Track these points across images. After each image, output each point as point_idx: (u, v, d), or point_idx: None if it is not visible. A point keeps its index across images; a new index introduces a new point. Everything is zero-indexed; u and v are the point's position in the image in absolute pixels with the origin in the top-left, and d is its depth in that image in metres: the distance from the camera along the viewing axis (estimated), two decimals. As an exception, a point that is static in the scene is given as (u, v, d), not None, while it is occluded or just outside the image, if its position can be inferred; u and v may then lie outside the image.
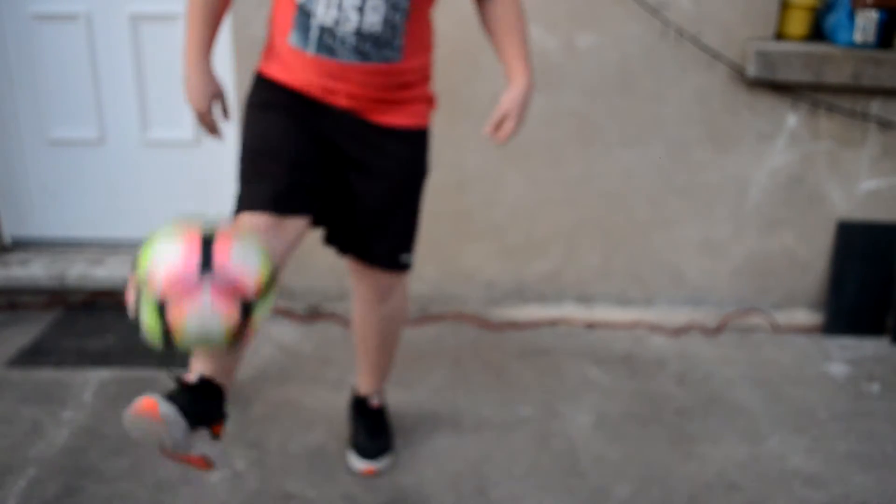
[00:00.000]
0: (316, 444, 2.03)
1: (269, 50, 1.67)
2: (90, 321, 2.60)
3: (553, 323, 2.67)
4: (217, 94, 1.74)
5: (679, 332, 2.65)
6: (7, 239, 2.83)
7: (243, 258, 1.29)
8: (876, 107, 2.48)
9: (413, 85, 1.66)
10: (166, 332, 1.29)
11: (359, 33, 1.53)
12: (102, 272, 2.68)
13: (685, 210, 2.61)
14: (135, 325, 1.36)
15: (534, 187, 2.59)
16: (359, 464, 1.93)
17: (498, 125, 1.67)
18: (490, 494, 1.87)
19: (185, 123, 2.72)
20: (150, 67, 2.68)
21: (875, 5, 2.38)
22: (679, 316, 2.68)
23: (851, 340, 2.63)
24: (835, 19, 2.45)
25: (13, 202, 2.82)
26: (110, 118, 2.73)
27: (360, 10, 1.52)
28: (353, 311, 1.91)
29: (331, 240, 1.80)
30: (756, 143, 2.54)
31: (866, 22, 2.40)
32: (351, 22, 1.52)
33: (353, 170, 1.67)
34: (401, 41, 1.57)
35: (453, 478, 1.92)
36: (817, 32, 2.53)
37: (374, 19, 1.53)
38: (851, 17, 2.41)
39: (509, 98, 1.66)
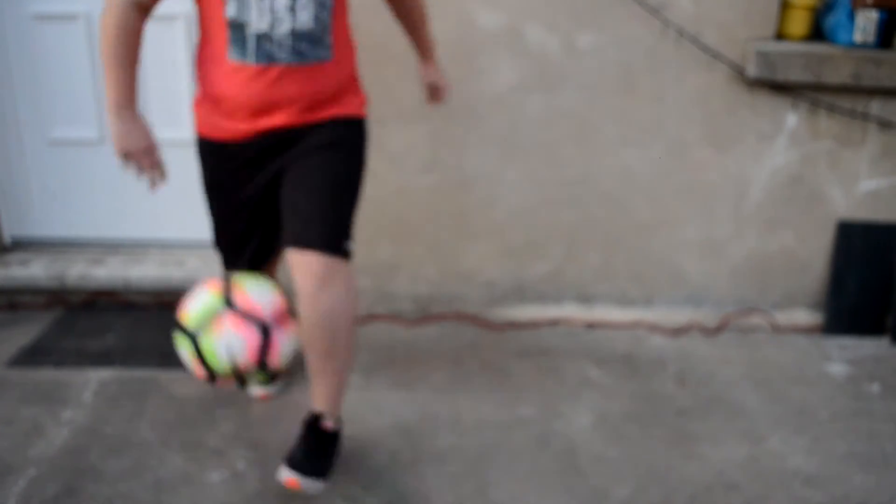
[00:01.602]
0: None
1: (201, 96, 1.84)
2: (90, 321, 2.61)
3: (553, 323, 2.67)
4: (148, 148, 1.82)
5: (679, 332, 2.65)
6: (7, 239, 2.83)
7: (258, 293, 1.64)
8: (876, 107, 2.48)
9: (344, 90, 1.79)
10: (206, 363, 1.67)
11: (293, 33, 1.66)
12: (102, 272, 2.68)
13: (685, 210, 2.61)
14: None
15: (534, 187, 2.59)
16: (283, 471, 1.78)
17: (435, 93, 2.14)
18: (490, 494, 1.87)
19: (185, 123, 2.72)
20: (149, 67, 2.67)
21: (875, 5, 2.38)
22: (679, 316, 2.68)
23: (851, 340, 2.63)
24: (835, 19, 2.45)
25: (13, 202, 2.82)
26: (110, 118, 2.73)
27: (292, 9, 1.64)
28: (300, 312, 1.72)
29: (284, 241, 1.78)
30: (756, 143, 2.54)
31: (866, 22, 2.40)
32: (285, 23, 1.64)
33: (289, 168, 1.77)
34: (330, 39, 1.70)
35: (453, 478, 1.92)
36: (817, 32, 2.53)
37: (305, 17, 1.65)
38: (851, 17, 2.41)
39: (436, 70, 2.11)
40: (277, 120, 1.73)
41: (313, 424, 1.83)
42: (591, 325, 2.67)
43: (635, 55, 2.46)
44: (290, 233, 1.72)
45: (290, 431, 2.06)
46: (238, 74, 1.68)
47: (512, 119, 2.52)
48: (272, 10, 1.64)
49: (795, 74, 2.40)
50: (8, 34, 2.64)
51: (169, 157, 2.76)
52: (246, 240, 1.94)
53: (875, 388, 2.36)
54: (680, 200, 2.61)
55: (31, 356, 2.39)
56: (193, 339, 1.65)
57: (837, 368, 2.47)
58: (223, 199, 1.91)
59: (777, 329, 2.67)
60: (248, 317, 1.64)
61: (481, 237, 2.64)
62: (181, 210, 2.81)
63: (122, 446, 1.99)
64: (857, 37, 2.41)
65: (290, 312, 1.72)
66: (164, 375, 2.30)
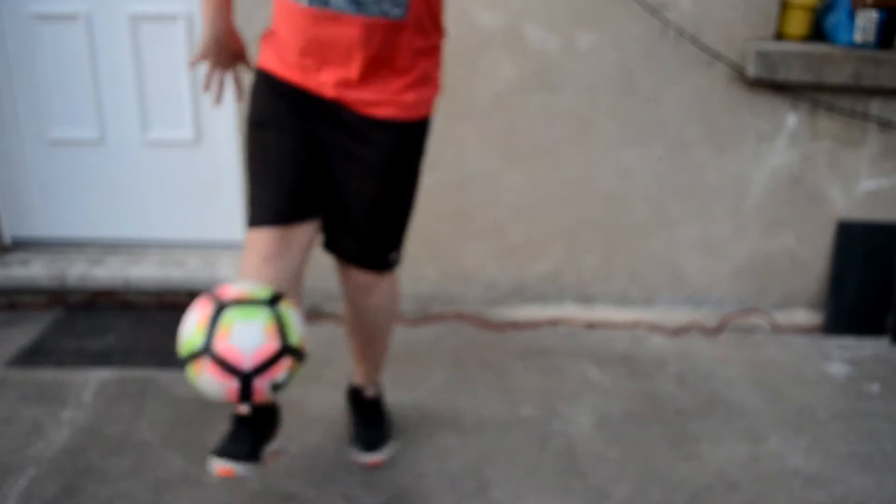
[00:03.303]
0: (316, 444, 2.03)
1: (270, 28, 1.64)
2: (90, 321, 2.61)
3: (553, 323, 2.67)
4: (237, 54, 1.71)
5: (679, 332, 2.65)
6: (7, 239, 2.83)
7: (243, 337, 1.42)
8: (876, 107, 2.48)
9: (411, 66, 1.53)
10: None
11: None
12: (102, 272, 2.68)
13: (685, 210, 2.61)
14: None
15: (534, 187, 2.59)
16: (362, 457, 1.93)
17: None
18: (490, 494, 1.87)
19: (185, 123, 2.72)
20: (150, 67, 2.68)
21: (875, 5, 2.38)
22: (679, 316, 2.68)
23: (851, 340, 2.63)
24: (835, 19, 2.45)
25: (13, 202, 2.82)
26: (110, 118, 2.73)
27: None
28: (344, 305, 1.89)
29: (328, 243, 1.78)
30: (756, 143, 2.54)
31: (866, 22, 2.40)
32: None
33: (342, 164, 1.62)
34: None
35: (453, 478, 1.92)
36: (817, 32, 2.53)
37: None
38: (851, 17, 2.41)
39: None
40: (324, 85, 1.53)
41: (357, 397, 2.00)
42: (591, 325, 2.67)
43: (635, 55, 2.46)
44: (342, 248, 1.74)
45: (289, 431, 2.06)
46: (291, 12, 1.50)
47: (512, 119, 2.52)
48: None
49: (795, 74, 2.40)
50: (7, 34, 2.64)
51: (169, 157, 2.78)
52: (284, 189, 1.62)
53: (875, 388, 2.36)
54: (680, 200, 2.61)
55: (31, 356, 2.39)
56: (183, 365, 1.50)
57: (837, 368, 2.47)
58: (267, 138, 1.62)
59: (777, 329, 2.67)
60: (225, 366, 1.43)
61: (481, 237, 2.64)
62: (181, 210, 2.81)
63: (122, 446, 1.99)
64: (857, 37, 2.41)
65: (281, 351, 1.49)
66: (164, 375, 2.30)
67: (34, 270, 2.69)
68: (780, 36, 2.48)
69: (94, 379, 2.28)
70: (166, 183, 2.78)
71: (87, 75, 2.68)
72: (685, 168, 2.57)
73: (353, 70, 1.51)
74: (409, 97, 1.56)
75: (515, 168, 2.58)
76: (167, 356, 2.40)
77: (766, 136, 2.53)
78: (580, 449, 2.04)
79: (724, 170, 2.57)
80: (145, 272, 2.68)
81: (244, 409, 1.73)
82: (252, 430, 1.73)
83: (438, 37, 1.59)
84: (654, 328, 2.66)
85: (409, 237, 1.81)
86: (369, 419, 1.99)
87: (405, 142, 1.63)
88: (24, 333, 2.52)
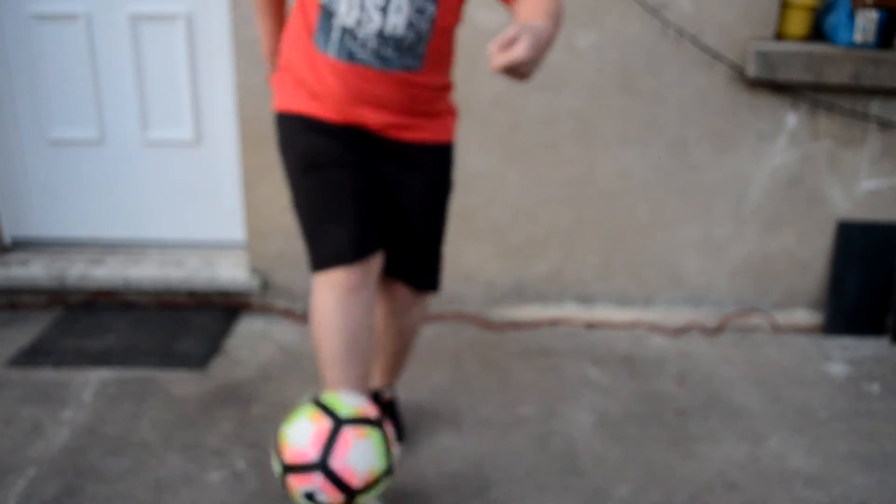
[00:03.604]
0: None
1: (288, 73, 1.65)
2: (90, 321, 2.61)
3: (553, 323, 2.67)
4: None
5: (679, 332, 2.65)
6: (7, 239, 2.83)
7: (359, 457, 1.47)
8: (876, 107, 2.48)
9: (433, 102, 1.67)
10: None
11: (381, 35, 1.52)
12: (102, 272, 2.68)
13: (685, 210, 2.61)
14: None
15: (534, 187, 2.59)
16: None
17: (507, 45, 1.26)
18: (490, 494, 1.87)
19: (185, 123, 2.72)
20: (150, 67, 2.68)
21: (875, 5, 2.38)
22: (679, 316, 2.68)
23: (851, 340, 2.63)
24: (835, 19, 2.45)
25: (13, 202, 2.82)
26: (110, 118, 2.73)
27: (384, 10, 1.50)
28: (377, 315, 1.87)
29: (388, 269, 1.80)
30: (756, 143, 2.54)
31: (866, 22, 2.40)
32: (373, 23, 1.51)
33: (392, 188, 1.68)
34: (423, 50, 1.56)
35: (453, 478, 1.92)
36: (817, 32, 2.53)
37: (397, 21, 1.51)
38: (851, 17, 2.41)
39: (527, 24, 1.30)
40: (365, 117, 1.61)
41: (375, 400, 2.01)
42: (591, 325, 2.67)
43: (635, 55, 2.46)
44: (405, 267, 1.79)
45: (290, 431, 2.07)
46: (319, 61, 1.57)
47: (512, 119, 2.52)
48: (361, 6, 1.50)
49: (795, 74, 2.40)
50: (7, 34, 2.64)
51: (169, 157, 2.78)
52: (359, 223, 1.62)
53: (875, 388, 2.36)
54: (680, 200, 2.61)
55: (31, 356, 2.39)
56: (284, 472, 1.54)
57: (837, 368, 2.47)
58: (328, 177, 1.61)
59: (777, 329, 2.67)
60: (339, 483, 1.48)
61: (481, 237, 2.64)
62: (181, 210, 2.81)
63: (122, 446, 1.99)
64: (857, 37, 2.41)
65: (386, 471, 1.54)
66: (164, 375, 2.30)
67: (34, 270, 2.69)
68: (780, 36, 2.48)
69: (94, 379, 2.28)
70: (166, 183, 2.78)
71: (87, 75, 2.68)
72: (685, 168, 2.57)
73: (386, 112, 1.62)
74: (437, 124, 1.70)
75: (515, 168, 2.58)
76: (167, 356, 2.41)
77: (766, 136, 2.53)
78: (580, 449, 2.04)
79: (724, 170, 2.57)
80: (145, 272, 2.68)
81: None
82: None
83: (449, 76, 1.70)
84: (654, 328, 2.66)
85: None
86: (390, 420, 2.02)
87: (441, 163, 1.74)
88: (24, 333, 2.52)
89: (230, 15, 2.43)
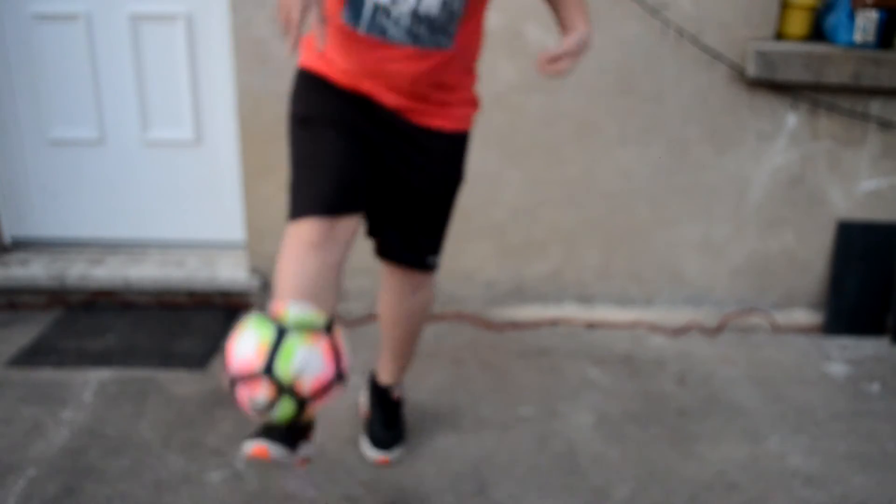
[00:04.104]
0: (316, 444, 2.02)
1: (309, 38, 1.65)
2: (90, 321, 2.61)
3: (553, 323, 2.67)
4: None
5: (679, 332, 2.65)
6: (7, 239, 2.83)
7: (304, 364, 1.40)
8: (876, 107, 2.48)
9: (458, 86, 1.66)
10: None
11: (415, 14, 1.52)
12: (102, 272, 2.68)
13: (685, 210, 2.61)
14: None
15: (534, 187, 2.59)
16: (372, 453, 1.96)
17: (554, 60, 1.55)
18: (490, 494, 1.87)
19: (185, 123, 2.72)
20: (150, 67, 2.68)
21: (875, 5, 2.38)
22: (679, 316, 2.68)
23: (851, 340, 2.63)
24: (835, 19, 2.45)
25: (13, 202, 2.82)
26: (110, 118, 2.73)
27: None
28: (381, 302, 1.93)
29: (372, 232, 1.82)
30: (756, 143, 2.54)
31: (866, 22, 2.40)
32: (408, 2, 1.51)
33: (393, 166, 1.68)
34: (455, 29, 1.56)
35: (453, 478, 1.92)
36: (817, 32, 2.53)
37: (432, 1, 1.51)
38: (851, 17, 2.41)
39: (572, 39, 1.56)
40: (382, 96, 1.61)
41: (384, 397, 2.03)
42: (591, 325, 2.67)
43: (635, 55, 2.46)
44: (390, 246, 1.80)
45: (290, 431, 2.06)
46: (344, 35, 1.56)
47: (512, 119, 2.52)
48: None
49: (795, 74, 2.40)
50: (8, 34, 2.65)
51: (169, 157, 2.78)
52: (334, 181, 1.61)
53: (875, 388, 2.36)
54: (680, 200, 2.61)
55: (31, 356, 2.39)
56: (281, 332, 1.43)
57: (837, 368, 2.47)
58: (318, 134, 1.63)
59: (777, 329, 2.67)
60: (336, 353, 1.45)
61: (481, 237, 2.64)
62: (181, 210, 2.81)
63: (122, 446, 1.99)
64: (857, 37, 2.41)
65: (336, 378, 1.48)
66: (164, 375, 2.30)
67: (34, 270, 2.69)
68: (780, 36, 2.48)
69: (94, 379, 2.28)
70: (166, 183, 2.78)
71: (87, 75, 2.68)
72: (685, 168, 2.57)
73: (405, 95, 1.61)
74: (458, 112, 1.70)
75: (515, 168, 2.57)
76: (167, 356, 2.41)
77: (766, 136, 2.53)
78: (580, 449, 2.04)
79: (724, 170, 2.57)
80: (145, 272, 2.68)
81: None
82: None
83: (476, 58, 1.70)
84: (654, 328, 2.66)
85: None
86: (390, 419, 2.02)
87: (453, 151, 1.74)
88: (24, 333, 2.52)
89: (230, 15, 2.43)
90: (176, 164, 2.77)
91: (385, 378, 2.03)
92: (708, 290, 2.70)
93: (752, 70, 2.40)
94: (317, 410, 1.48)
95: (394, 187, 1.71)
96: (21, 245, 2.85)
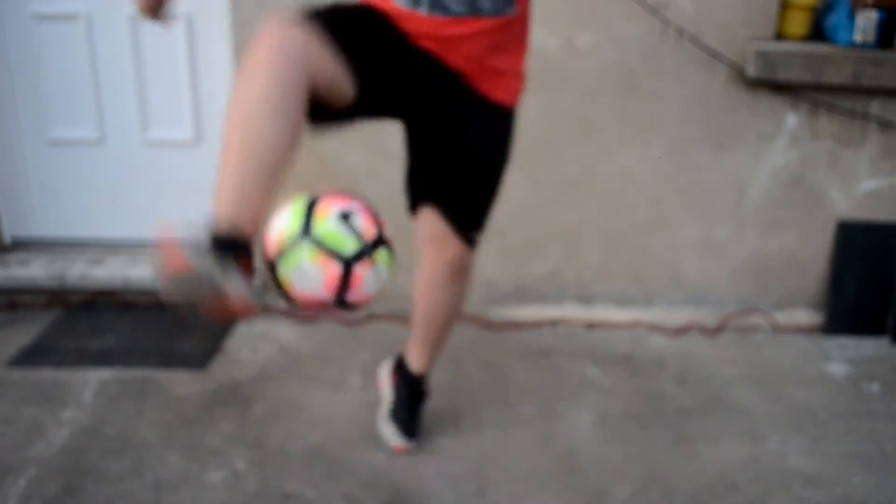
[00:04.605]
0: (316, 444, 2.03)
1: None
2: (90, 321, 2.61)
3: (553, 323, 2.67)
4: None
5: (679, 332, 2.65)
6: (7, 239, 2.83)
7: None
8: (876, 107, 2.48)
9: (513, 55, 1.64)
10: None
11: None
12: (102, 272, 2.68)
13: (685, 210, 2.61)
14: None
15: (534, 187, 2.59)
16: (394, 439, 1.99)
17: None
18: (490, 494, 1.87)
19: (185, 123, 2.72)
20: (150, 67, 2.68)
21: (875, 5, 2.38)
22: (679, 316, 2.68)
23: (851, 340, 2.63)
24: (835, 19, 2.45)
25: (13, 202, 2.82)
26: (110, 118, 2.73)
27: None
28: (418, 289, 1.91)
29: (412, 187, 1.79)
30: (756, 143, 2.54)
31: (866, 22, 2.40)
32: None
33: (443, 116, 1.65)
34: None
35: (453, 478, 1.92)
36: (817, 32, 2.53)
37: None
38: (851, 17, 2.41)
39: None
40: (454, 60, 1.58)
41: (415, 387, 2.03)
42: (591, 325, 2.67)
43: (635, 55, 2.46)
44: (438, 212, 1.75)
45: (289, 431, 2.06)
46: (407, 19, 1.54)
47: (512, 119, 2.51)
48: None
49: (795, 74, 2.40)
50: (8, 34, 2.65)
51: (169, 157, 2.78)
52: (377, 50, 1.51)
53: (875, 388, 2.36)
54: (680, 200, 2.61)
55: (31, 356, 2.39)
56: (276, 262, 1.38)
57: (837, 368, 2.47)
58: (387, 27, 1.55)
59: (777, 329, 2.67)
60: (328, 251, 1.34)
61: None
62: (181, 210, 2.81)
63: (122, 446, 1.99)
64: (857, 37, 2.41)
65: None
66: (164, 375, 2.30)
67: (34, 270, 2.69)
68: (780, 36, 2.48)
69: (94, 379, 2.28)
70: (166, 183, 2.78)
71: (87, 75, 2.68)
72: (685, 168, 2.57)
73: (469, 56, 1.58)
74: (510, 84, 1.68)
75: (515, 168, 2.56)
76: (167, 356, 2.41)
77: (766, 136, 2.53)
78: (580, 449, 2.04)
79: (724, 170, 2.56)
80: (145, 272, 2.68)
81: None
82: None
83: (528, 24, 1.68)
84: (654, 328, 2.66)
85: (409, 238, 1.80)
86: (415, 409, 2.04)
87: (502, 125, 1.73)
88: (24, 333, 2.52)
89: (230, 15, 2.43)
90: (176, 164, 2.77)
91: (416, 366, 2.02)
92: (708, 290, 2.70)
93: (752, 70, 2.40)
94: (366, 277, 1.35)
95: (446, 148, 1.68)
96: (21, 245, 2.85)
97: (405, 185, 1.82)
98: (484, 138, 1.71)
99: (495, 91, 1.65)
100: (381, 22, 1.55)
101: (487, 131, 1.70)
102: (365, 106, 1.50)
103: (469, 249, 1.83)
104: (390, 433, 2.00)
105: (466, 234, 1.79)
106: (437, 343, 1.99)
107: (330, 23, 1.39)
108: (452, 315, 1.94)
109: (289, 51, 1.30)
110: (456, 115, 1.66)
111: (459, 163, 1.71)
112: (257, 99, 1.28)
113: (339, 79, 1.39)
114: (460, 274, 1.85)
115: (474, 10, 1.52)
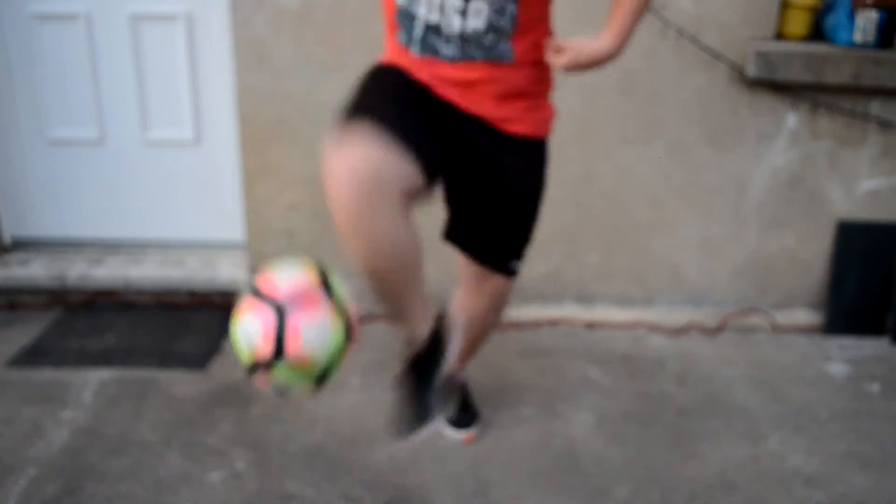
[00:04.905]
0: (316, 444, 2.03)
1: (387, 50, 1.65)
2: (90, 321, 2.61)
3: (553, 323, 2.67)
4: None
5: (679, 332, 2.65)
6: (7, 239, 2.83)
7: (281, 272, 1.40)
8: (876, 107, 2.48)
9: (529, 94, 1.63)
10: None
11: (462, 36, 1.51)
12: (102, 272, 2.68)
13: (685, 210, 2.61)
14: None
15: (534, 187, 2.59)
16: (456, 433, 2.05)
17: (557, 51, 1.58)
18: (490, 494, 1.87)
19: (185, 123, 2.72)
20: (150, 67, 2.68)
21: (875, 5, 2.38)
22: (679, 316, 2.68)
23: (851, 340, 2.63)
24: (835, 19, 2.45)
25: (13, 202, 2.82)
26: (110, 118, 2.73)
27: (463, 13, 1.49)
28: (455, 301, 1.89)
29: (450, 235, 1.80)
30: (756, 143, 2.54)
31: (866, 22, 2.40)
32: (454, 25, 1.50)
33: (478, 162, 1.64)
34: (508, 44, 1.53)
35: (453, 478, 1.92)
36: (817, 32, 2.53)
37: (476, 24, 1.49)
38: (851, 17, 2.41)
39: (584, 42, 1.59)
40: (460, 99, 1.58)
41: (450, 381, 2.02)
42: (591, 325, 2.67)
43: (635, 55, 2.45)
44: (476, 249, 1.76)
45: (290, 431, 2.06)
46: (406, 54, 1.57)
47: (512, 119, 2.51)
48: (441, 9, 1.49)
49: (795, 74, 2.40)
50: (7, 34, 2.64)
51: (169, 157, 2.78)
52: (414, 117, 1.52)
53: (875, 388, 2.36)
54: (680, 200, 2.61)
55: (31, 356, 2.39)
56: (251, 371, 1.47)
57: (837, 368, 2.47)
58: (408, 80, 1.58)
59: (777, 329, 2.67)
60: (263, 298, 1.38)
61: (481, 237, 2.64)
62: (181, 210, 2.81)
63: (122, 446, 1.99)
64: (857, 37, 2.41)
65: (319, 294, 1.41)
66: (164, 375, 2.30)
67: (34, 270, 2.69)
68: (780, 36, 2.48)
69: (94, 379, 2.28)
70: (166, 183, 2.78)
71: (87, 75, 2.68)
72: (685, 168, 2.57)
73: (482, 100, 1.58)
74: (536, 116, 1.67)
75: (515, 168, 2.57)
76: (167, 356, 2.41)
77: (766, 136, 2.53)
78: (580, 449, 2.04)
79: (724, 170, 2.57)
80: (145, 272, 2.68)
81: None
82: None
83: (541, 55, 1.63)
84: (654, 328, 2.66)
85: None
86: (461, 402, 2.09)
87: (535, 157, 1.71)
88: (24, 333, 2.52)
89: (230, 15, 2.43)
90: (176, 164, 2.77)
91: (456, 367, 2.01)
92: (708, 290, 2.70)
93: (752, 70, 2.40)
94: (300, 350, 1.38)
95: (478, 187, 1.68)
96: (21, 245, 2.85)
97: (446, 231, 1.81)
98: (518, 181, 1.69)
99: (523, 127, 1.64)
100: (407, 85, 1.57)
101: (520, 170, 1.69)
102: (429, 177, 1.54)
103: (512, 280, 1.81)
104: (447, 430, 2.06)
105: (508, 267, 1.78)
106: (469, 352, 1.98)
107: (381, 119, 1.41)
108: (486, 331, 1.94)
109: (376, 182, 1.35)
110: (488, 161, 1.64)
111: (498, 210, 1.70)
112: (377, 242, 1.41)
113: (411, 174, 1.43)
114: (503, 300, 1.85)
115: (465, 56, 1.52)
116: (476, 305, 1.85)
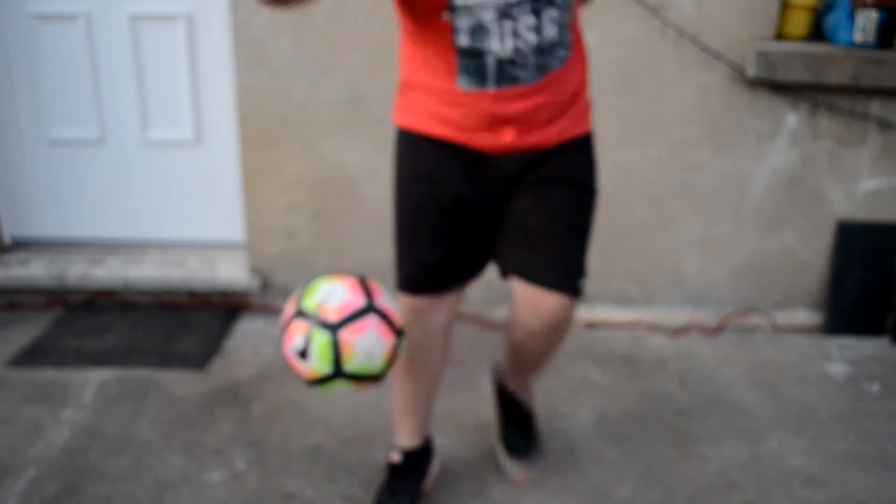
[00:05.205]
0: (316, 444, 2.03)
1: (410, 92, 1.56)
2: (90, 321, 2.61)
3: (553, 323, 2.67)
4: None
5: (679, 332, 2.65)
6: (7, 239, 2.83)
7: (388, 297, 1.46)
8: (876, 107, 2.48)
9: (577, 92, 1.58)
10: (336, 361, 1.40)
11: (539, 49, 1.45)
12: (102, 272, 2.68)
13: (685, 210, 2.61)
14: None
15: (534, 187, 2.58)
16: (515, 470, 1.91)
17: None
18: (490, 494, 1.87)
19: (185, 123, 2.72)
20: (150, 67, 2.68)
21: (875, 5, 2.38)
22: (679, 316, 2.68)
23: (851, 340, 2.63)
24: (835, 19, 2.45)
25: (13, 202, 2.82)
26: (110, 118, 2.73)
27: (538, 29, 1.44)
28: (512, 333, 1.75)
29: (505, 272, 1.69)
30: (756, 143, 2.54)
31: (866, 22, 2.40)
32: (530, 43, 1.44)
33: (525, 198, 1.58)
34: (568, 35, 1.50)
35: (453, 478, 1.92)
36: (817, 32, 2.53)
37: (552, 31, 1.45)
38: (851, 17, 2.41)
39: None
40: (507, 139, 1.52)
41: (510, 401, 2.00)
42: (591, 325, 2.67)
43: (635, 55, 2.46)
44: (529, 268, 1.63)
45: (290, 431, 2.06)
46: (467, 99, 1.49)
47: (512, 119, 2.51)
48: (514, 33, 1.43)
49: (795, 74, 2.40)
50: (7, 34, 2.65)
51: (169, 157, 2.78)
52: (441, 255, 1.64)
53: (875, 388, 2.36)
54: (680, 200, 2.61)
55: (31, 356, 2.39)
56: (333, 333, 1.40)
57: (837, 368, 2.47)
58: (420, 205, 1.62)
59: (777, 329, 2.67)
60: (366, 288, 1.43)
61: (481, 237, 2.63)
62: (181, 210, 2.81)
63: (122, 446, 1.99)
64: (857, 37, 2.41)
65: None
66: (164, 375, 2.30)
67: (34, 270, 2.69)
68: (780, 36, 2.48)
69: (94, 379, 2.28)
70: (166, 183, 2.78)
71: (87, 75, 2.68)
72: (685, 168, 2.57)
73: (540, 128, 1.54)
74: (577, 113, 1.60)
75: (515, 168, 2.57)
76: (167, 356, 2.41)
77: (766, 136, 2.53)
78: (580, 449, 2.04)
79: (724, 170, 2.57)
80: (145, 272, 2.68)
81: (396, 457, 1.82)
82: (407, 479, 1.83)
83: (582, 44, 1.60)
84: (654, 328, 2.66)
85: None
86: (522, 425, 1.98)
87: (581, 155, 1.65)
88: (24, 333, 2.52)
89: (230, 15, 2.43)
90: (176, 164, 2.77)
91: (513, 385, 1.94)
92: (708, 289, 2.70)
93: (752, 70, 2.40)
94: (358, 346, 1.37)
95: (521, 218, 1.60)
96: (21, 245, 2.85)
97: (501, 269, 1.71)
98: (566, 191, 1.62)
99: (560, 135, 1.56)
100: (423, 176, 1.60)
101: (565, 177, 1.61)
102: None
103: (575, 300, 1.64)
104: (507, 463, 1.93)
105: (571, 286, 1.62)
106: (526, 375, 1.88)
107: (432, 279, 1.67)
108: (547, 358, 1.79)
109: (443, 330, 1.74)
110: (542, 185, 1.58)
111: (556, 219, 1.61)
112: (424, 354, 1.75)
113: (459, 297, 1.79)
114: (567, 324, 1.68)
115: (542, 71, 1.48)
116: (535, 338, 1.69)
